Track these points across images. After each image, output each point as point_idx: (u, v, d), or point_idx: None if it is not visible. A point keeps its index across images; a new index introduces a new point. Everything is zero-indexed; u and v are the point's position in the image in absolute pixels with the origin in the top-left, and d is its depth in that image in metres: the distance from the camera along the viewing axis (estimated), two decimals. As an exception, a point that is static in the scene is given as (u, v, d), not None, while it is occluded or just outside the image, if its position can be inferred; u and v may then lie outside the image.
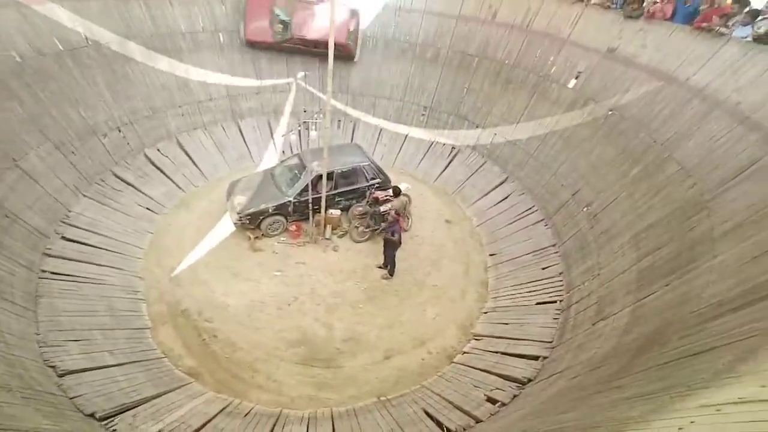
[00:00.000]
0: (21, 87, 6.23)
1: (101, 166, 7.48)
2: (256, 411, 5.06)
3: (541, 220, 7.87)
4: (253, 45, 9.50)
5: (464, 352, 6.12)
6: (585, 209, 7.04)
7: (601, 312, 5.22)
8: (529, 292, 6.73)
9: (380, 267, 7.35)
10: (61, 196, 6.59)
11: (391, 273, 7.21)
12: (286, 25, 9.27)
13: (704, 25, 6.23)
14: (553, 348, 5.53)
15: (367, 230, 7.92)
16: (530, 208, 8.20)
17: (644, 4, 7.21)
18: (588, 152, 7.59)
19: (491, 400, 4.91)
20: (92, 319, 5.53)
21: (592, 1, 8.06)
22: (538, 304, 6.45)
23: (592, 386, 3.72)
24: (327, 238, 7.84)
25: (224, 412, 4.92)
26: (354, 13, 9.67)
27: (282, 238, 7.77)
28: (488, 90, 9.70)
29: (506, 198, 8.70)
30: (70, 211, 6.59)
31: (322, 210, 7.55)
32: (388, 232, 6.94)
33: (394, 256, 7.14)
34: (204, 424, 4.60)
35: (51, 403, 4.00)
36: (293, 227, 7.72)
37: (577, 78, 8.20)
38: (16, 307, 4.90)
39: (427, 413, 4.90)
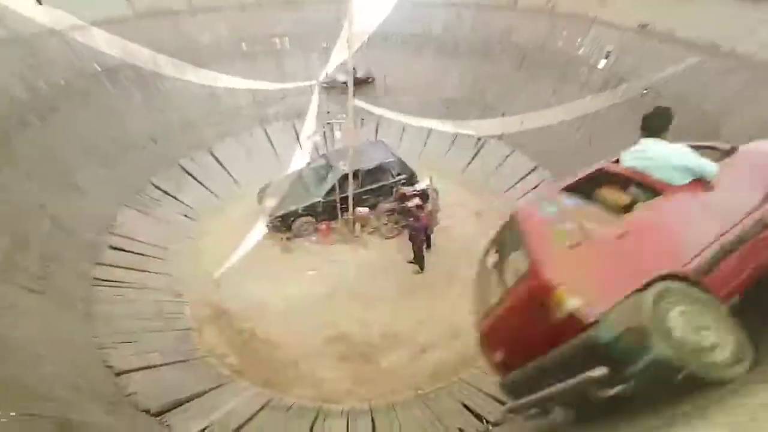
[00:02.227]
0: (67, 108, 6.68)
1: (141, 177, 7.90)
2: (297, 406, 5.21)
3: (575, 208, 7.58)
4: None
5: (501, 345, 6.01)
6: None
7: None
8: (566, 281, 6.51)
9: (411, 262, 7.35)
10: (107, 208, 7.01)
11: (422, 267, 7.20)
12: None
13: (748, -11, 5.80)
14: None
15: (395, 226, 7.94)
16: (563, 196, 7.92)
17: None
18: (623, 134, 7.18)
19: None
20: (141, 322, 5.84)
21: (621, -25, 7.69)
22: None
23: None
24: (357, 236, 7.92)
25: (267, 407, 5.09)
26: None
27: (313, 238, 7.92)
28: (512, 77, 9.46)
29: (537, 187, 8.45)
30: (115, 222, 7.00)
31: (350, 208, 7.63)
32: (410, 228, 6.93)
33: (422, 250, 7.12)
34: (249, 419, 4.79)
35: (111, 402, 4.29)
36: (323, 227, 7.86)
37: (607, 58, 7.85)
38: (77, 314, 5.27)
39: (465, 406, 4.86)
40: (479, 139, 9.89)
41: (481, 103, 10.00)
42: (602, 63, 7.95)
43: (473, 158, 9.78)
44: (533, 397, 2.06)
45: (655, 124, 2.73)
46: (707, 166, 2.42)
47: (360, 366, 5.83)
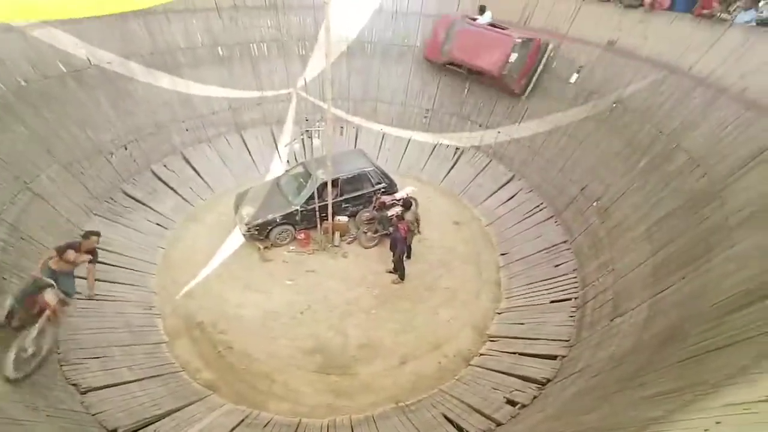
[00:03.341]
0: (27, 110, 6.32)
1: (110, 184, 7.56)
2: (276, 421, 5.07)
3: (551, 217, 7.83)
4: (429, 61, 10.15)
5: (481, 354, 6.08)
6: (595, 204, 7.00)
7: (618, 308, 5.17)
8: (544, 290, 6.68)
9: (390, 272, 7.35)
10: (72, 216, 6.65)
11: (402, 277, 7.21)
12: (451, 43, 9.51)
13: (705, 12, 6.20)
14: (570, 347, 5.48)
15: (375, 235, 7.93)
16: (539, 206, 8.16)
17: (643, -7, 7.19)
18: (594, 146, 7.55)
19: (511, 402, 4.87)
20: (110, 335, 5.56)
21: (590, -5, 8.05)
22: (552, 302, 6.41)
23: (613, 385, 3.68)
24: (336, 245, 7.86)
25: (244, 424, 4.93)
26: (525, 44, 8.45)
27: (291, 247, 7.80)
28: (489, 90, 9.69)
29: (514, 196, 8.67)
30: (82, 231, 6.65)
31: (330, 217, 7.57)
32: (391, 237, 6.96)
33: (402, 260, 7.14)
34: (224, 437, 4.62)
35: (75, 421, 4.05)
36: (302, 236, 7.75)
37: (578, 72, 8.18)
38: (35, 328, 4.94)
39: (446, 418, 4.88)
40: (457, 149, 10.07)
41: (460, 114, 10.20)
42: (574, 77, 8.27)
43: (451, 168, 9.93)
44: None
45: None
46: None
47: (339, 378, 5.76)
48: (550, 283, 6.78)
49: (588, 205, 7.17)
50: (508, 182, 9.01)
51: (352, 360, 5.99)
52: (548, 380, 5.09)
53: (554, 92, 8.53)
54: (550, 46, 8.66)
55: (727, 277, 3.74)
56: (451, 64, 9.74)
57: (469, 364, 5.98)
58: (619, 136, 7.06)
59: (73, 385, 4.65)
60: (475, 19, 9.50)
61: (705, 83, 5.92)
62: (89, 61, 7.34)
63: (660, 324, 4.16)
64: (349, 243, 8.01)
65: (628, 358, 4.01)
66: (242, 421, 4.97)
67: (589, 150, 7.64)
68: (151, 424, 4.58)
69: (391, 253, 7.17)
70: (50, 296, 4.48)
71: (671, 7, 6.84)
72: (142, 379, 5.19)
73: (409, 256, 7.43)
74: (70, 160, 6.92)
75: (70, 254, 4.73)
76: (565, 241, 7.33)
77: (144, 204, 7.81)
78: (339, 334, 6.31)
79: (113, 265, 6.52)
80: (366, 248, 7.92)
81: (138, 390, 4.99)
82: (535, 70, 8.86)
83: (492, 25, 9.32)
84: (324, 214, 7.62)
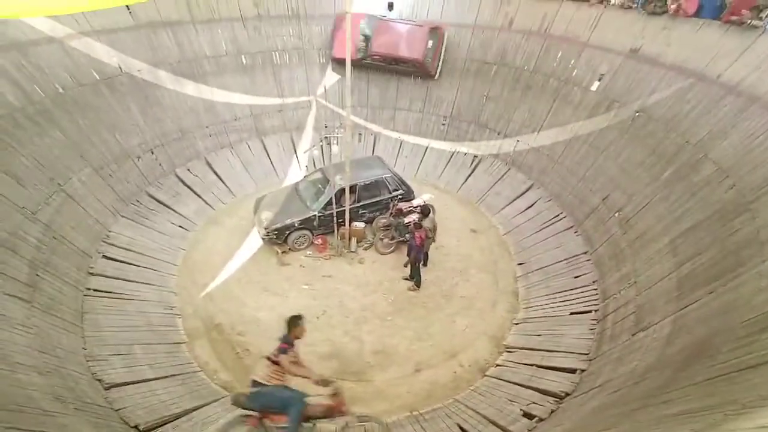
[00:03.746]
0: (63, 116, 6.64)
1: (136, 187, 7.84)
2: (290, 425, 5.09)
3: (571, 227, 7.70)
4: (339, 62, 9.99)
5: (497, 365, 6.00)
6: (616, 214, 6.85)
7: (641, 322, 5.03)
8: (563, 301, 6.56)
9: (406, 279, 7.34)
10: (101, 217, 6.93)
11: (418, 284, 7.19)
12: (367, 40, 9.97)
13: (734, 18, 6.05)
14: (590, 360, 5.35)
15: (392, 242, 7.95)
16: (558, 215, 8.04)
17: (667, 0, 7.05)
18: (616, 155, 7.41)
19: (528, 416, 4.78)
20: (132, 334, 5.74)
21: (612, 2, 7.96)
22: (572, 314, 6.28)
23: (635, 401, 3.57)
24: (352, 251, 7.91)
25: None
26: (434, 32, 9.93)
27: (308, 252, 7.89)
28: (508, 97, 9.65)
29: (532, 205, 8.56)
30: (110, 231, 6.92)
31: (347, 223, 7.63)
32: (408, 245, 6.96)
33: (418, 267, 7.12)
34: (240, 438, 4.67)
35: (99, 415, 4.18)
36: (319, 241, 7.84)
37: (600, 80, 8.07)
38: (65, 323, 5.16)
39: (461, 428, 4.81)
40: (475, 156, 10.03)
41: (478, 122, 10.17)
42: (595, 85, 8.16)
43: (469, 176, 9.89)
44: None
45: None
46: None
47: (353, 384, 5.75)
48: (569, 295, 6.65)
49: (609, 215, 7.02)
50: (526, 191, 8.90)
51: (367, 366, 5.99)
52: (567, 394, 4.98)
53: (575, 100, 8.42)
54: (446, 34, 10.11)
55: (758, 294, 3.60)
56: (365, 59, 10.07)
57: (485, 375, 5.90)
58: (643, 145, 6.91)
59: (98, 380, 4.81)
60: (383, 16, 10.26)
61: (735, 91, 5.75)
62: (121, 69, 7.67)
63: (685, 340, 4.02)
64: (365, 249, 8.05)
65: (651, 374, 3.89)
66: (257, 423, 5.02)
67: (610, 159, 7.50)
68: (170, 422, 4.68)
69: (408, 260, 7.16)
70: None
71: (697, 14, 6.69)
72: (163, 377, 5.32)
73: (425, 264, 7.40)
74: (101, 163, 7.21)
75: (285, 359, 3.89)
76: (585, 252, 7.18)
77: (168, 207, 8.05)
78: (354, 340, 6.33)
79: (137, 265, 6.74)
80: (382, 254, 7.94)
81: (158, 388, 5.12)
82: (441, 54, 10.19)
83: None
84: (341, 220, 7.69)
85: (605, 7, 8.04)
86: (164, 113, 8.49)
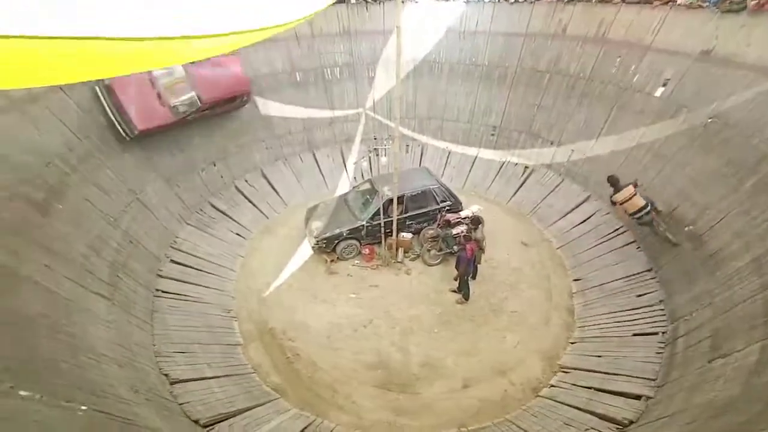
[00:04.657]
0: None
1: (200, 197, 8.47)
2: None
3: (632, 242, 7.18)
4: (146, 132, 6.94)
5: (551, 386, 5.68)
6: (687, 229, 6.29)
7: (719, 348, 4.54)
8: (625, 321, 6.10)
9: (454, 291, 7.22)
10: (169, 224, 7.55)
11: (466, 297, 7.04)
12: (176, 92, 7.14)
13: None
14: (658, 387, 4.91)
15: (439, 253, 7.88)
16: (617, 229, 7.54)
17: (748, -6, 6.47)
18: (684, 165, 6.85)
19: (586, 441, 4.47)
20: (194, 333, 6.14)
21: (678, 2, 7.45)
22: (635, 335, 5.82)
23: (715, 435, 3.23)
24: (399, 261, 7.94)
25: (308, 430, 5.09)
26: (235, 55, 8.12)
27: (356, 261, 8.03)
28: (562, 106, 9.31)
29: (589, 218, 8.11)
30: (177, 237, 7.51)
31: (394, 233, 7.69)
32: (456, 256, 6.86)
33: (467, 280, 6.98)
34: (290, 441, 4.81)
35: (166, 407, 4.50)
36: (366, 250, 7.96)
37: (664, 86, 7.55)
38: (138, 320, 5.65)
39: (513, 450, 4.60)
40: (526, 167, 9.73)
41: (529, 132, 9.89)
42: (659, 91, 7.64)
43: (520, 187, 9.59)
44: None
45: None
46: None
47: (399, 396, 5.72)
48: (632, 314, 6.18)
49: (678, 230, 6.47)
50: (582, 203, 8.46)
51: (413, 378, 5.93)
52: (631, 422, 4.60)
53: (636, 108, 7.93)
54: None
55: None
56: (189, 116, 7.42)
57: (538, 395, 5.61)
58: (717, 153, 6.33)
59: (165, 375, 5.19)
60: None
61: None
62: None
63: (776, 370, 3.58)
64: (412, 260, 8.05)
65: (735, 406, 3.49)
66: (306, 427, 5.14)
67: (678, 169, 6.94)
68: (226, 419, 4.93)
69: (456, 272, 7.05)
70: None
71: (784, 9, 6.08)
72: (220, 376, 5.62)
73: (474, 277, 7.24)
74: (169, 175, 7.89)
75: None
76: (649, 270, 6.66)
77: (227, 215, 8.60)
78: (400, 351, 6.31)
79: (199, 270, 7.23)
80: (429, 266, 7.89)
81: (216, 386, 5.41)
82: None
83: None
84: (389, 230, 7.77)
85: (671, 8, 7.55)
86: (224, 129, 9.14)
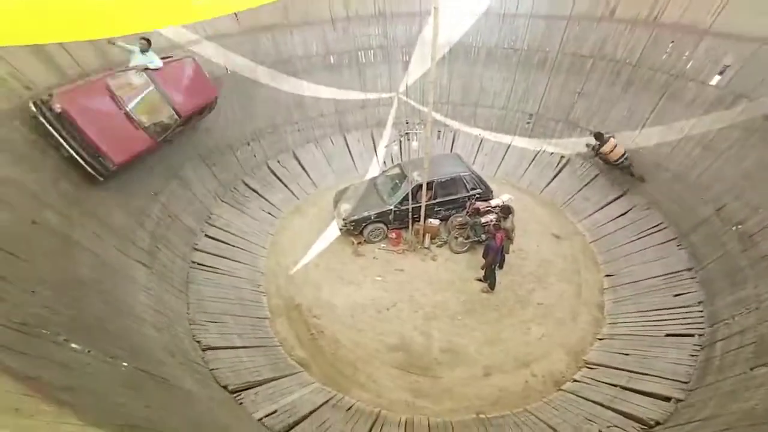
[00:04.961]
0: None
1: (234, 176, 8.75)
2: (357, 408, 5.32)
3: (673, 239, 6.82)
4: (124, 165, 5.53)
5: (574, 380, 5.58)
6: (735, 228, 5.90)
7: (762, 354, 4.28)
8: (658, 321, 5.86)
9: (479, 280, 7.15)
10: (205, 200, 7.86)
11: (492, 287, 6.96)
12: (153, 109, 6.02)
13: None
14: (690, 390, 4.71)
15: (466, 241, 7.80)
16: (657, 225, 7.17)
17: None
18: (739, 160, 6.37)
19: (609, 438, 4.38)
20: (225, 305, 6.44)
21: (747, -19, 6.80)
22: (668, 335, 5.58)
23: (751, 443, 3.08)
24: (426, 247, 7.93)
25: (329, 404, 5.28)
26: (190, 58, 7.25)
27: (382, 245, 8.10)
28: (605, 93, 8.82)
29: (626, 213, 7.76)
30: (212, 213, 7.82)
31: (422, 219, 7.67)
32: (485, 245, 6.76)
33: (494, 269, 6.89)
34: (311, 411, 5.00)
35: (198, 372, 4.79)
36: (393, 235, 8.00)
37: (722, 73, 6.98)
38: (174, 289, 5.99)
39: (531, 439, 4.59)
40: (562, 157, 9.36)
41: (567, 120, 9.48)
42: (715, 79, 7.08)
43: (554, 177, 9.28)
44: None
45: None
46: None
47: (419, 378, 5.80)
48: (667, 314, 5.92)
49: (726, 228, 6.07)
50: (620, 196, 8.08)
51: (434, 362, 5.98)
52: (657, 423, 4.46)
53: (687, 97, 7.40)
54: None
55: None
56: (169, 135, 6.29)
57: (560, 389, 5.53)
58: (778, 148, 5.84)
59: (197, 341, 5.50)
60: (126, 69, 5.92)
61: None
62: (227, 70, 8.60)
63: (826, 382, 3.34)
64: (439, 246, 8.02)
65: (775, 416, 3.31)
66: (328, 401, 5.32)
67: (731, 164, 6.47)
68: (252, 387, 5.18)
69: (483, 260, 6.97)
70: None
71: None
72: (248, 347, 5.90)
73: (501, 266, 7.14)
74: (207, 153, 8.18)
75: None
76: (689, 269, 6.33)
77: (259, 194, 8.86)
78: (423, 335, 6.36)
79: (231, 245, 7.53)
80: (456, 253, 7.83)
81: (244, 356, 5.69)
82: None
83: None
84: (416, 216, 7.75)
85: (736, -13, 6.91)
86: (259, 109, 9.32)
